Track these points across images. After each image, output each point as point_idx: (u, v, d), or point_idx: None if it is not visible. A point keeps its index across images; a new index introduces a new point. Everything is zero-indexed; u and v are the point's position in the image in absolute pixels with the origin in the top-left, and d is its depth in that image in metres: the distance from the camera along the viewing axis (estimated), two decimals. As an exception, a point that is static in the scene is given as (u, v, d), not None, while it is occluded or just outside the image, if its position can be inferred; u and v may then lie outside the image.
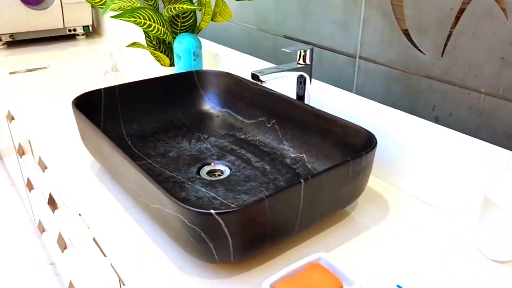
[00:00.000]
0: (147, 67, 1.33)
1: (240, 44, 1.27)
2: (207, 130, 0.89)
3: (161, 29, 0.93)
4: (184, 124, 0.90)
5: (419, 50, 0.84)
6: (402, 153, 0.75)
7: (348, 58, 0.96)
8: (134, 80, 1.20)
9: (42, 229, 1.45)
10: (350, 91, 0.95)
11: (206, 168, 0.77)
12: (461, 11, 0.75)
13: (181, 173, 0.75)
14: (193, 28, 1.03)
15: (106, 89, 0.84)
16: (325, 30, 1.01)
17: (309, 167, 0.75)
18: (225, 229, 0.50)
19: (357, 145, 0.69)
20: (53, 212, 1.09)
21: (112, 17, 0.86)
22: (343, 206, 0.64)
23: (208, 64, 1.16)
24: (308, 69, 0.79)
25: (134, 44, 1.02)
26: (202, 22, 1.03)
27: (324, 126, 0.74)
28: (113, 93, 0.85)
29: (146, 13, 0.90)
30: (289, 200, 0.54)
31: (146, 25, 0.90)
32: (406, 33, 0.85)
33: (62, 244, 1.14)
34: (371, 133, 0.66)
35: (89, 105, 0.81)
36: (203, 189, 0.70)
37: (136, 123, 0.87)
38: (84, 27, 1.66)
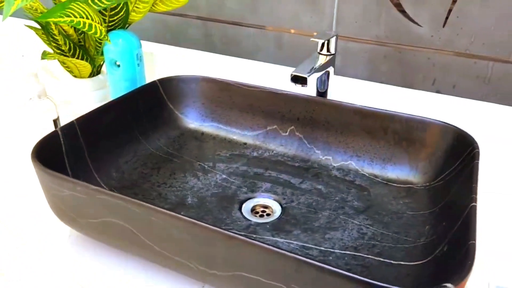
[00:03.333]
0: (61, 82, 0.92)
1: (153, 37, 1.03)
2: (204, 155, 0.68)
3: (101, 29, 0.66)
4: (170, 153, 0.67)
5: (415, 22, 0.78)
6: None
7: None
8: (75, 108, 0.79)
9: None
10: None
11: (247, 206, 0.59)
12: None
13: (227, 224, 0.55)
14: (124, 23, 0.77)
15: (64, 129, 0.55)
16: (285, 10, 0.87)
17: (367, 175, 0.63)
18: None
19: (431, 140, 0.60)
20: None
21: (37, 19, 0.56)
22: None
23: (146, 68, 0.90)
24: (332, 60, 0.66)
25: (45, 55, 0.71)
26: (134, 13, 0.78)
27: (375, 124, 0.63)
28: (74, 134, 0.57)
29: (81, 8, 0.62)
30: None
31: (87, 26, 0.62)
32: (397, 5, 0.78)
33: None
34: (459, 129, 0.58)
35: (49, 158, 0.52)
36: (279, 239, 0.52)
37: (112, 168, 0.61)
38: None
